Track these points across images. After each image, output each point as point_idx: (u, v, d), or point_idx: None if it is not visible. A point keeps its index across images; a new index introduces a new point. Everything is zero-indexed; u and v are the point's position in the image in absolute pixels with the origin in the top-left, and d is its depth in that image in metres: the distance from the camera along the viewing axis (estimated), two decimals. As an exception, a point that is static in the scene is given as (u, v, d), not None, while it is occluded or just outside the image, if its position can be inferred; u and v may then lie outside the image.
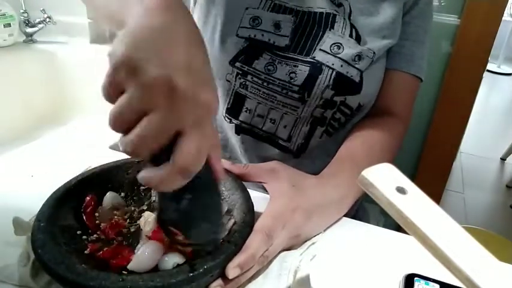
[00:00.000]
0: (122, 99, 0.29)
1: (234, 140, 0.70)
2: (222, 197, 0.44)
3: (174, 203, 0.36)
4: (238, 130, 0.68)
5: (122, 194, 0.49)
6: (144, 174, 0.32)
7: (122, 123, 0.29)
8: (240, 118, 0.66)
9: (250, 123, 0.66)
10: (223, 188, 0.49)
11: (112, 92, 0.30)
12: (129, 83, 0.29)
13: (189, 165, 0.30)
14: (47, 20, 1.18)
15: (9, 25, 1.14)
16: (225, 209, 0.43)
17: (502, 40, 4.27)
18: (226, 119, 0.68)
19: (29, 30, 1.19)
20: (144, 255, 0.38)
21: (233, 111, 0.66)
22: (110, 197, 0.47)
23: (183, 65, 0.29)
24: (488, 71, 4.20)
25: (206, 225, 0.38)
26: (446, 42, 1.23)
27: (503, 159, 2.64)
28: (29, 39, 1.20)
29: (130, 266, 0.38)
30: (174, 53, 0.29)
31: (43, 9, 1.17)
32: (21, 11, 1.17)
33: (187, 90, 0.29)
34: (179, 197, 0.35)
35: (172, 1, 0.32)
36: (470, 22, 1.19)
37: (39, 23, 1.18)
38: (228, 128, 0.69)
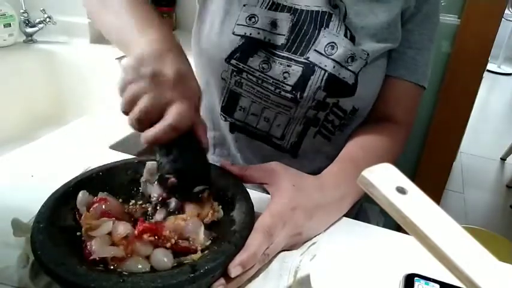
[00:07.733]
0: (128, 91, 0.42)
1: (229, 138, 0.71)
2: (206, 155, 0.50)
3: (166, 156, 0.45)
4: (233, 128, 0.69)
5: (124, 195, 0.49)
6: (143, 134, 0.42)
7: (130, 104, 0.42)
8: (235, 116, 0.67)
9: (244, 121, 0.67)
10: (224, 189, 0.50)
11: (122, 89, 0.43)
12: (134, 80, 0.42)
13: (173, 121, 0.41)
14: (47, 20, 1.18)
15: (9, 25, 1.14)
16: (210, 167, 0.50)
17: (502, 40, 4.26)
18: (222, 117, 0.68)
19: (29, 30, 1.19)
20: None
21: (228, 109, 0.67)
22: (82, 197, 0.45)
23: (170, 66, 0.43)
24: (488, 71, 4.19)
25: (194, 171, 0.47)
26: (446, 42, 1.22)
27: (503, 159, 2.64)
28: (29, 39, 1.20)
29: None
30: (165, 61, 0.43)
31: (43, 9, 1.17)
32: (21, 11, 1.16)
33: (173, 78, 0.42)
34: (170, 152, 0.45)
35: (164, 34, 0.46)
36: (470, 22, 1.19)
37: (39, 23, 1.18)
38: (224, 127, 0.70)
